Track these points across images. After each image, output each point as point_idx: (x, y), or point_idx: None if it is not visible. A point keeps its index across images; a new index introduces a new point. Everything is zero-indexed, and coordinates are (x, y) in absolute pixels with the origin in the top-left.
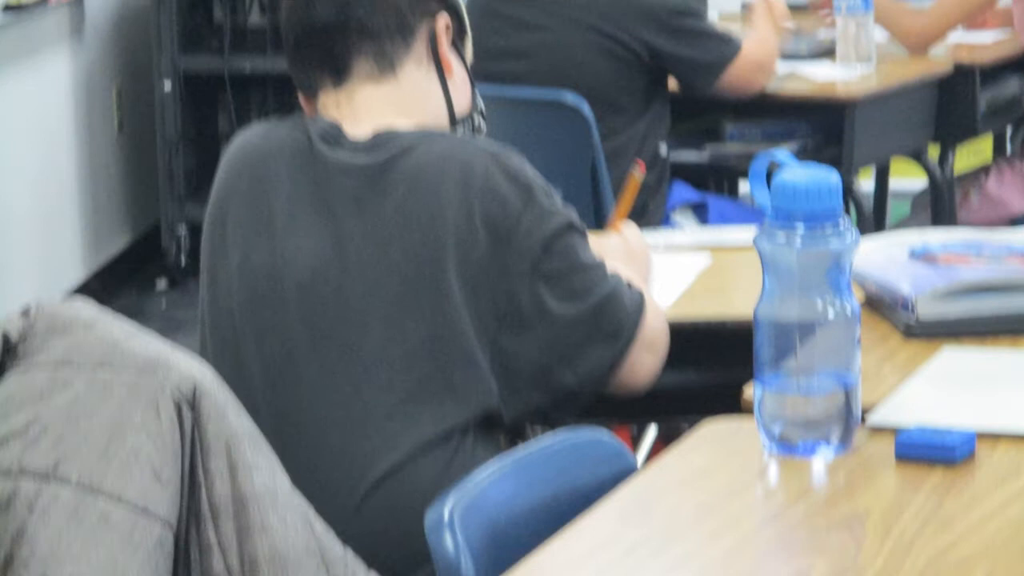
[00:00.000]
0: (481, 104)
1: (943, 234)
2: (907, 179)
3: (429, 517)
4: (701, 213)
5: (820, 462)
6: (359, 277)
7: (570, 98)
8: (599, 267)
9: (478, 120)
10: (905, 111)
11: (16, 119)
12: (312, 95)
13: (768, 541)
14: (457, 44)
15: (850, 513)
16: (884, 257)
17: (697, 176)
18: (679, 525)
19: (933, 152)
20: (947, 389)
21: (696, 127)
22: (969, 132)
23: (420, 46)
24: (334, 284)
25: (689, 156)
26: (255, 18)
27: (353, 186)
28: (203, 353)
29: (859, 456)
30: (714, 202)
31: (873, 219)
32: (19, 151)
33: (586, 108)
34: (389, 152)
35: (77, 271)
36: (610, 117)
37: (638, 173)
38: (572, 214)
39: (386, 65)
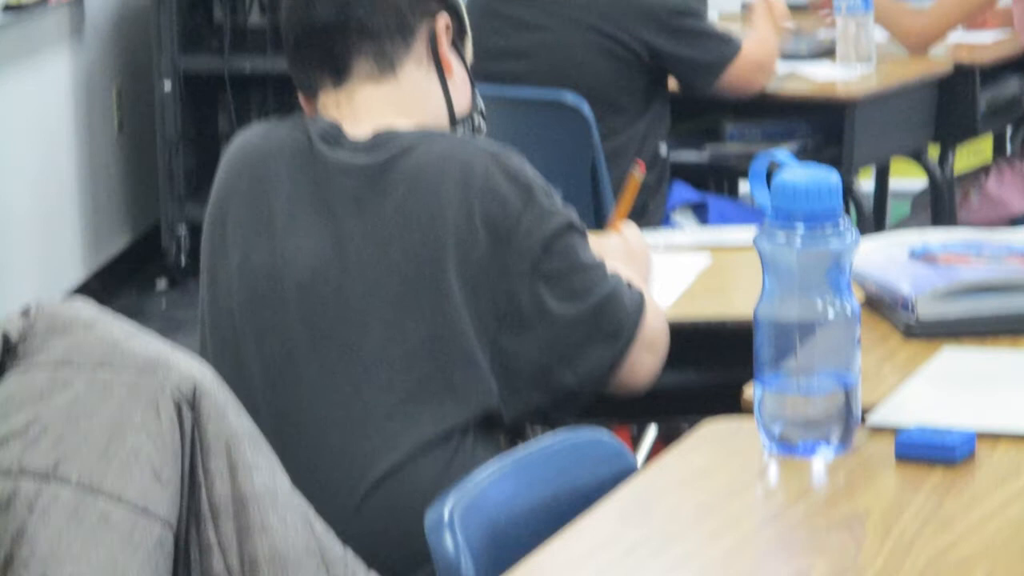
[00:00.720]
0: (481, 104)
1: (943, 234)
2: (907, 179)
3: (429, 517)
4: (701, 213)
5: (820, 462)
6: (359, 277)
7: (570, 98)
8: (599, 267)
9: (478, 120)
10: (905, 111)
11: (16, 119)
12: (312, 95)
13: (768, 541)
14: (457, 44)
15: (850, 513)
16: (884, 257)
17: (697, 176)
18: (679, 525)
19: (933, 152)
20: (947, 389)
21: (696, 127)
22: (969, 132)
23: (420, 46)
24: (334, 284)
25: (689, 156)
26: (255, 18)
27: (353, 186)
28: (203, 353)
29: (859, 456)
30: (714, 202)
31: (873, 219)
32: (19, 151)
33: (586, 108)
34: (389, 152)
35: (77, 271)
36: (610, 117)
37: (638, 173)
38: (572, 214)
39: (386, 65)
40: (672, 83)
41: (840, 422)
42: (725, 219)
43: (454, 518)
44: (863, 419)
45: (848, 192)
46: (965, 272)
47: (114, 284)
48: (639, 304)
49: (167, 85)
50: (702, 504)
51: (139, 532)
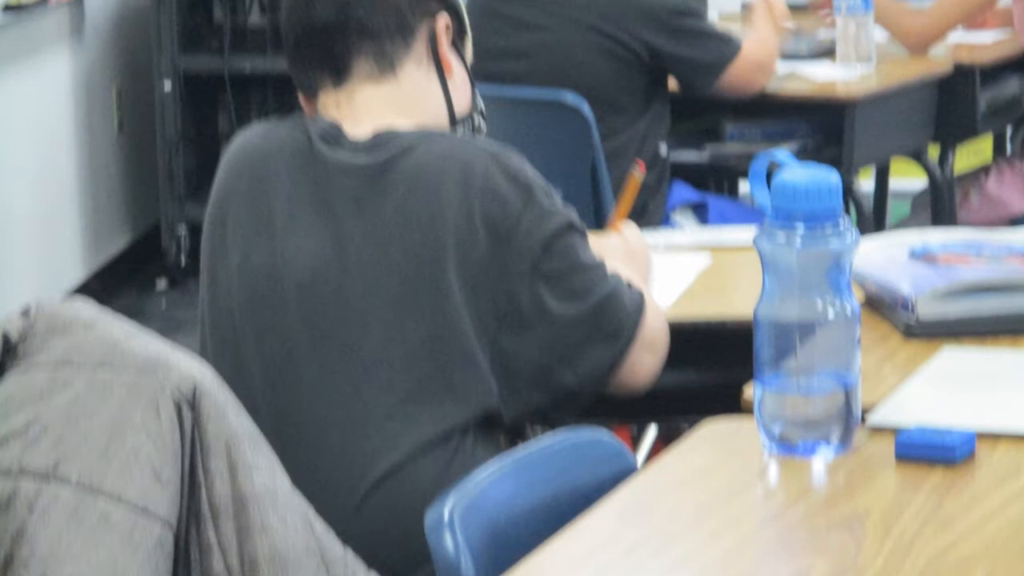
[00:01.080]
0: (481, 104)
1: (943, 234)
2: (907, 179)
3: (429, 517)
4: (701, 213)
5: (820, 462)
6: (359, 277)
7: (570, 98)
8: (599, 267)
9: (478, 120)
10: (905, 111)
11: (16, 119)
12: (312, 95)
13: (768, 541)
14: (457, 44)
15: (850, 513)
16: (884, 257)
17: (697, 176)
18: (679, 525)
19: (933, 152)
20: (947, 389)
21: (696, 127)
22: (969, 132)
23: (420, 46)
24: (334, 284)
25: (689, 156)
26: (255, 18)
27: (353, 186)
28: (203, 353)
29: (859, 456)
30: (714, 202)
31: (873, 219)
32: (19, 151)
33: (586, 108)
34: (389, 152)
35: (77, 271)
36: (610, 117)
37: (638, 173)
38: (572, 214)
39: (386, 65)
40: (672, 83)
41: (840, 422)
42: (725, 219)
43: (454, 518)
44: (863, 419)
45: (848, 192)
46: (965, 272)
47: (114, 284)
48: (639, 304)
49: (167, 85)
50: (702, 504)
51: (139, 532)
